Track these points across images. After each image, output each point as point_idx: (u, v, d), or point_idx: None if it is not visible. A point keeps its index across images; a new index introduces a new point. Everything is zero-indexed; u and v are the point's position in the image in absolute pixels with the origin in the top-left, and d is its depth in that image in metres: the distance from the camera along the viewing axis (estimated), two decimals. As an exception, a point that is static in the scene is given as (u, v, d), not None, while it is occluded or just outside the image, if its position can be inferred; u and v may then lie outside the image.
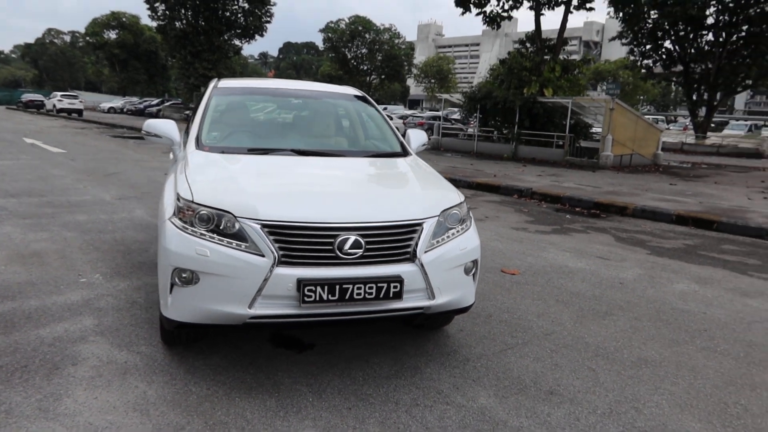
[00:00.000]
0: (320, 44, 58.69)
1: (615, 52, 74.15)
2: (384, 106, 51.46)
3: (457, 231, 3.34)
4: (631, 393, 3.30)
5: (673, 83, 34.90)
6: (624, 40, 30.57)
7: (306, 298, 2.88)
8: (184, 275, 2.95)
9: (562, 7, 21.38)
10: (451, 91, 72.78)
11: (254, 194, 3.09)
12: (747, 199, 11.88)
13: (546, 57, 20.98)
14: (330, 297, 2.91)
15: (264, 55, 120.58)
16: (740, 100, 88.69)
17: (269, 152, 3.83)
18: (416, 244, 3.11)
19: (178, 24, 39.01)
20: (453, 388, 3.25)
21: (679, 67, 30.11)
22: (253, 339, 3.69)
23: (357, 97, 4.85)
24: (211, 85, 4.54)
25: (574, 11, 21.50)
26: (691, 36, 28.72)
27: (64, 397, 2.91)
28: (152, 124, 4.08)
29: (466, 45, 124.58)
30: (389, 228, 3.08)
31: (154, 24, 41.00)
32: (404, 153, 4.18)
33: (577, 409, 3.08)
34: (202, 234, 2.95)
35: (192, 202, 3.02)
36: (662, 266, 6.23)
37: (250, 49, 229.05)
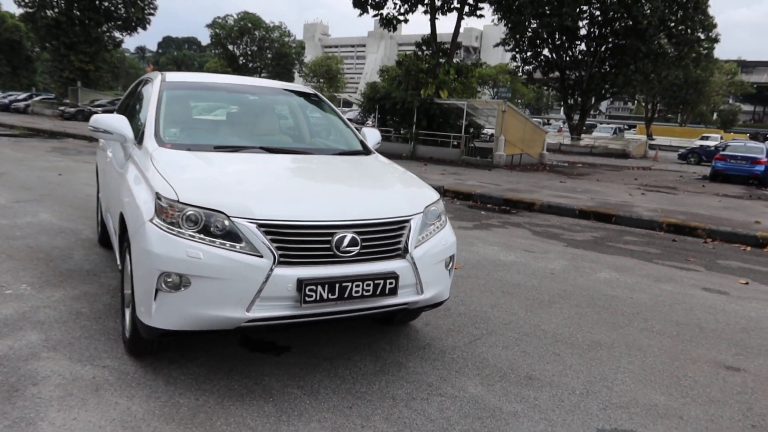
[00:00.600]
0: (203, 39, 56.41)
1: (493, 57, 78.40)
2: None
3: (437, 227, 3.42)
4: (598, 373, 3.56)
5: (551, 88, 37.53)
6: (507, 47, 32.44)
7: (307, 298, 2.82)
8: (171, 280, 2.77)
9: (455, 13, 22.27)
10: (340, 91, 73.06)
11: (245, 193, 2.97)
12: (629, 195, 13.12)
13: (441, 60, 21.73)
14: (330, 296, 2.87)
15: (141, 50, 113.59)
16: (602, 105, 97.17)
17: (239, 150, 3.68)
18: (407, 241, 3.16)
19: (49, 12, 35.71)
20: (440, 379, 3.33)
21: (557, 74, 32.47)
22: (224, 344, 3.53)
23: (310, 95, 4.78)
24: (158, 78, 4.25)
25: (465, 17, 22.47)
26: (567, 45, 31.11)
27: (38, 421, 2.62)
28: (101, 120, 3.76)
29: (353, 46, 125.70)
30: (382, 225, 3.09)
31: (19, 11, 37.27)
32: (366, 151, 4.19)
33: (558, 392, 3.28)
34: (191, 236, 2.79)
35: (177, 201, 2.84)
36: (581, 257, 6.74)
37: (127, 42, 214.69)
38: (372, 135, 4.53)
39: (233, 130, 4.19)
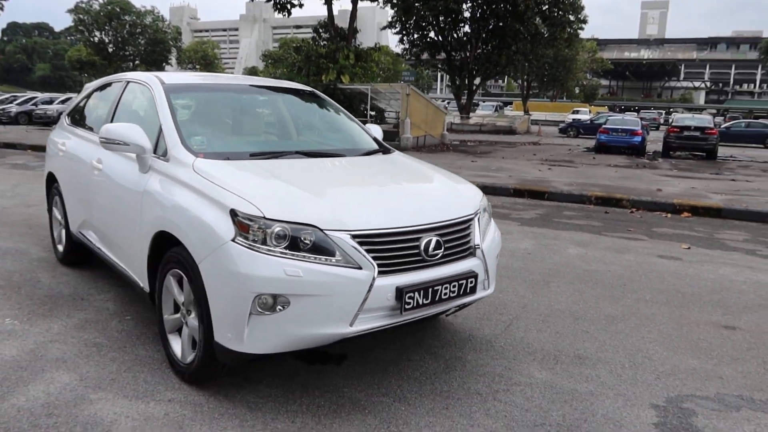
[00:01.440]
0: (55, 25, 51.17)
1: (368, 39, 79.10)
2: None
3: (487, 222, 3.50)
4: (631, 346, 3.85)
5: (436, 69, 38.63)
6: (393, 30, 32.90)
7: (406, 306, 2.78)
8: (266, 301, 2.60)
9: (351, -3, 22.19)
10: (218, 77, 70.08)
11: (331, 204, 2.85)
12: (539, 171, 13.98)
13: (340, 45, 21.62)
14: (424, 301, 2.85)
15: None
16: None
17: (278, 156, 3.48)
18: (475, 238, 3.20)
19: None
20: (506, 369, 3.43)
21: (443, 55, 33.50)
22: (277, 359, 3.37)
23: (310, 93, 4.59)
24: (153, 81, 3.85)
25: (361, 1, 22.46)
26: (452, 27, 32.15)
27: (143, 471, 2.38)
28: (116, 131, 3.37)
29: (224, 30, 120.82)
30: (457, 224, 3.11)
31: None
32: (385, 149, 4.14)
33: (612, 368, 3.50)
34: (282, 253, 2.63)
35: (263, 218, 2.66)
36: (542, 235, 7.14)
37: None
38: (376, 131, 4.47)
39: (258, 134, 3.94)
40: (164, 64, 51.78)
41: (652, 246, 6.76)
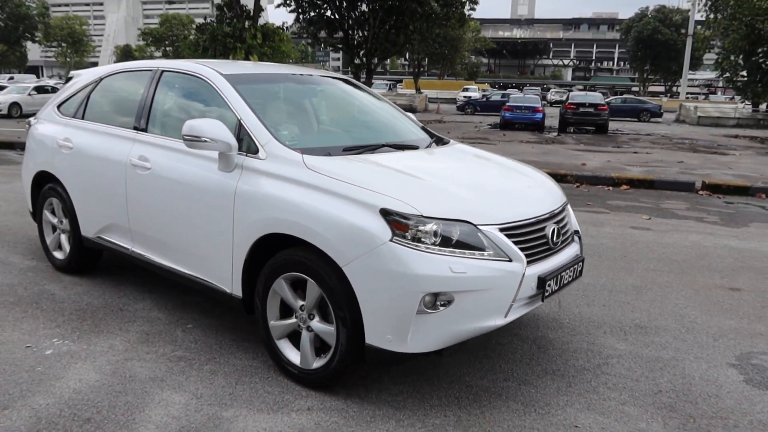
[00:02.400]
0: None
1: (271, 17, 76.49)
2: (10, 75, 42.69)
3: None
4: (675, 312, 4.23)
5: (327, 48, 38.23)
6: (288, 8, 32.08)
7: (545, 293, 2.89)
8: (433, 300, 2.59)
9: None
10: (87, 56, 64.40)
11: (472, 198, 2.86)
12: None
13: (247, 24, 20.75)
14: (555, 287, 2.98)
15: None
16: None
17: (373, 150, 3.38)
18: (574, 224, 3.37)
19: None
20: (590, 344, 3.65)
21: (341, 34, 33.23)
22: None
23: (351, 82, 4.46)
24: (208, 70, 3.56)
25: (265, -23, 21.62)
26: (349, 6, 31.92)
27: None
28: (201, 128, 3.08)
29: (87, 4, 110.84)
30: (562, 211, 3.25)
31: None
32: (438, 137, 4.15)
33: (677, 334, 3.85)
34: (440, 250, 2.62)
35: (421, 216, 2.62)
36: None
37: None
38: (414, 117, 4.47)
39: (331, 126, 3.78)
40: (25, 42, 46.56)
41: (618, 218, 7.35)
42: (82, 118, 4.35)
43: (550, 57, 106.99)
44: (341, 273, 2.72)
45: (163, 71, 3.89)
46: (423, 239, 2.62)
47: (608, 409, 2.90)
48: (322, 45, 35.56)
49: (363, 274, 2.65)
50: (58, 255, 4.66)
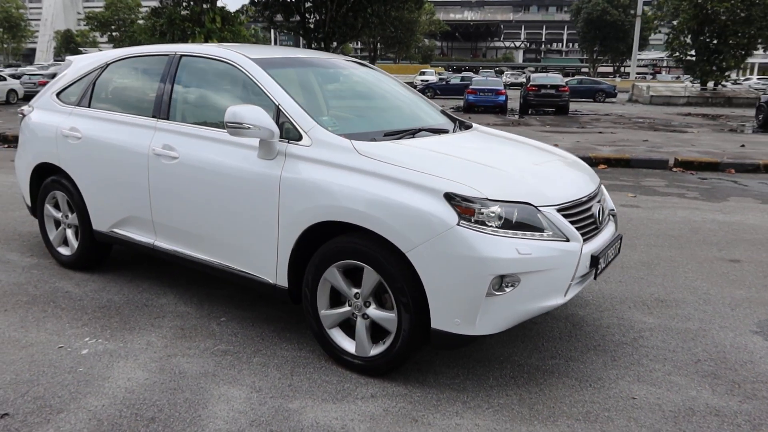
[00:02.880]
0: None
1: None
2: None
3: None
4: (688, 285, 4.39)
5: (290, 32, 37.61)
6: (242, -9, 31.28)
7: (597, 272, 2.96)
8: (501, 282, 2.61)
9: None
10: (25, 41, 61.25)
11: (528, 180, 2.88)
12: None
13: (205, 6, 20.14)
14: (603, 265, 3.05)
15: None
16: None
17: (413, 134, 3.36)
18: (609, 203, 3.45)
19: None
20: (620, 318, 3.76)
21: (297, 18, 32.67)
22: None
23: (370, 66, 4.39)
24: (239, 57, 3.45)
25: (222, -41, 21.01)
26: (306, -11, 31.40)
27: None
28: (244, 114, 2.97)
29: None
30: (599, 191, 3.32)
31: None
32: (462, 122, 4.14)
33: (698, 306, 4.00)
34: (505, 232, 2.64)
35: (486, 199, 2.63)
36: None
37: None
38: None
39: (372, 111, 3.71)
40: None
41: (605, 196, 7.54)
42: (89, 106, 4.15)
43: (502, 39, 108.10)
44: (405, 259, 2.71)
45: (181, 56, 3.75)
46: (488, 222, 2.63)
47: (657, 379, 3.01)
48: (278, 29, 34.90)
49: (429, 259, 2.64)
50: (64, 251, 4.46)
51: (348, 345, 3.03)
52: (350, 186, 2.84)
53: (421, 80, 39.26)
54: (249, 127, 3.01)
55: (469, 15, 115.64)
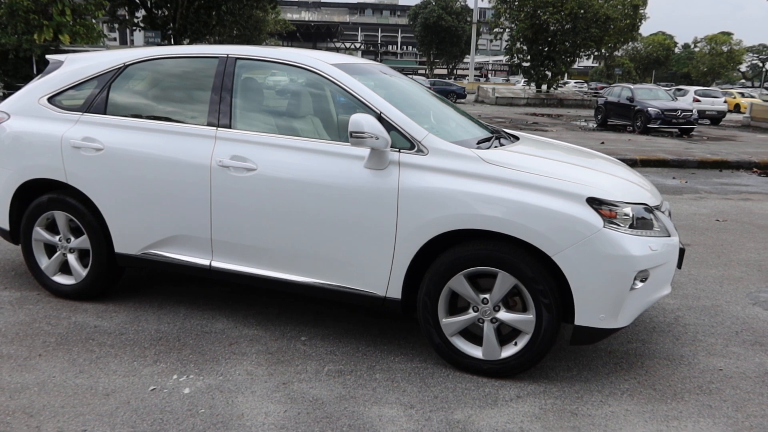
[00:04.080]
0: None
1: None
2: None
3: None
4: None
5: (139, 28, 34.75)
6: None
7: (681, 262, 3.32)
8: (639, 277, 2.85)
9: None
10: None
11: (634, 183, 3.15)
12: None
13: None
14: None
15: None
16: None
17: (498, 140, 3.45)
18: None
19: None
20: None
21: (144, 13, 30.35)
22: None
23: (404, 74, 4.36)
24: (320, 63, 3.27)
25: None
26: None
27: None
28: (368, 123, 2.84)
29: None
30: None
31: None
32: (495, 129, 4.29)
33: (700, 287, 4.60)
34: (634, 231, 2.88)
35: (622, 202, 2.86)
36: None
37: None
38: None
39: (437, 119, 3.67)
40: None
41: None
42: (104, 112, 3.63)
43: (340, 40, 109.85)
44: (546, 261, 2.83)
45: (236, 59, 3.45)
46: (621, 223, 2.85)
47: (722, 352, 3.46)
48: (121, 24, 32.08)
49: (577, 260, 2.79)
50: (63, 280, 3.85)
51: (472, 350, 3.07)
52: (484, 194, 2.89)
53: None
54: (369, 137, 2.91)
55: (306, 15, 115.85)
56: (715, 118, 23.23)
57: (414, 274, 3.11)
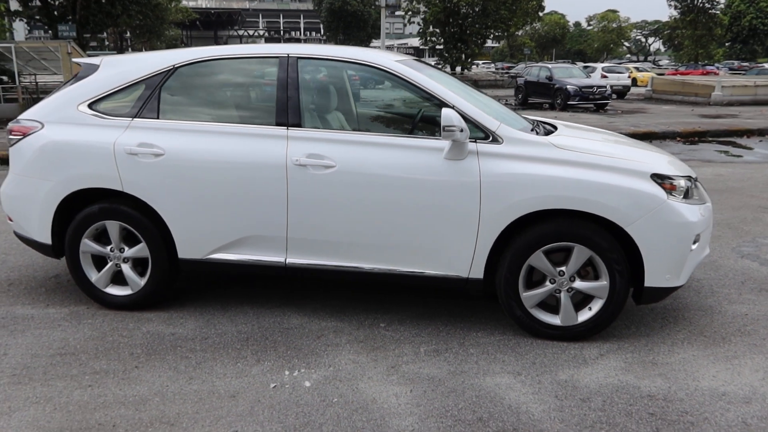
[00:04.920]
0: None
1: None
2: None
3: None
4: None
5: (34, 21, 32.06)
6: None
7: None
8: (695, 240, 3.27)
9: None
10: None
11: (672, 159, 3.56)
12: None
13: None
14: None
15: None
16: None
17: (542, 126, 3.76)
18: None
19: None
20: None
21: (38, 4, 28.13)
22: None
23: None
24: (386, 60, 3.42)
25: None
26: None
27: (716, 391, 2.90)
28: (451, 116, 3.05)
29: None
30: None
31: None
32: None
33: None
34: (686, 201, 3.29)
35: (678, 176, 3.26)
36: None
37: None
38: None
39: (499, 111, 3.87)
40: None
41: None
42: (157, 117, 3.58)
43: (242, 28, 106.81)
44: (622, 233, 3.19)
45: (298, 58, 3.52)
46: (678, 194, 3.25)
47: (738, 300, 3.99)
48: (12, 16, 29.51)
49: (647, 229, 3.17)
50: (117, 291, 3.78)
51: (550, 319, 3.39)
52: (561, 177, 3.19)
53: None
54: (459, 130, 3.12)
55: (202, 2, 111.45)
56: (621, 93, 25.03)
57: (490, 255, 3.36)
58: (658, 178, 3.20)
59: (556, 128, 3.93)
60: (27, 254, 4.79)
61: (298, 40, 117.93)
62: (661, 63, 65.61)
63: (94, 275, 3.77)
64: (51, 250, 3.80)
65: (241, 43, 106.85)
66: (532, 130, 3.65)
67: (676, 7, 40.39)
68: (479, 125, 3.30)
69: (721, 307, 3.88)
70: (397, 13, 38.68)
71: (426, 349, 3.30)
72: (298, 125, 3.44)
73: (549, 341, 3.38)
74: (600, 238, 3.20)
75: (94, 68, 3.78)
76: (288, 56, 3.54)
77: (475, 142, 3.28)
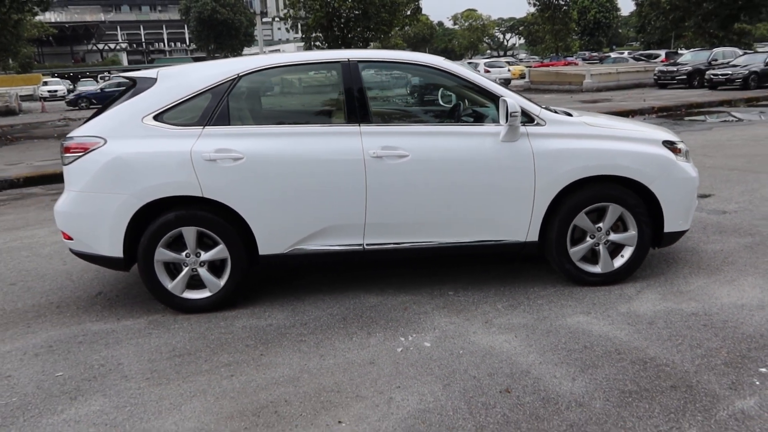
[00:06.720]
0: None
1: None
2: None
3: None
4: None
5: None
6: None
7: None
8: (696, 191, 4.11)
9: None
10: None
11: (658, 128, 4.38)
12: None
13: None
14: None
15: None
16: None
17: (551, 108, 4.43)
18: None
19: None
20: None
21: None
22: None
23: None
24: (438, 61, 3.92)
25: None
26: None
27: (737, 304, 3.71)
28: (516, 105, 3.60)
29: None
30: None
31: None
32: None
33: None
34: (687, 161, 4.12)
35: (677, 141, 4.09)
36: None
37: None
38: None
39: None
40: None
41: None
42: (228, 123, 3.79)
43: (101, 41, 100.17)
44: (646, 190, 3.93)
45: (358, 62, 3.89)
46: (681, 156, 4.07)
47: (708, 240, 4.93)
48: None
49: (664, 186, 3.94)
50: (194, 295, 3.92)
51: (592, 268, 4.06)
52: (597, 148, 3.89)
53: (80, 90, 34.35)
54: (521, 114, 3.71)
55: (51, 16, 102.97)
56: (503, 85, 27.04)
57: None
58: (668, 144, 4.00)
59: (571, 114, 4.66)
60: (49, 278, 4.70)
61: (162, 52, 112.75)
62: (520, 57, 71.04)
63: (169, 283, 3.88)
64: (122, 263, 3.85)
65: (102, 57, 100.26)
66: (557, 112, 4.31)
67: (534, 5, 43.96)
68: (525, 111, 3.89)
69: (699, 247, 4.79)
70: (264, 20, 38.51)
71: (503, 305, 3.83)
72: (368, 121, 3.83)
73: (593, 287, 4.05)
74: (628, 197, 3.92)
75: (151, 81, 3.88)
76: (349, 60, 3.91)
77: (524, 125, 3.87)
